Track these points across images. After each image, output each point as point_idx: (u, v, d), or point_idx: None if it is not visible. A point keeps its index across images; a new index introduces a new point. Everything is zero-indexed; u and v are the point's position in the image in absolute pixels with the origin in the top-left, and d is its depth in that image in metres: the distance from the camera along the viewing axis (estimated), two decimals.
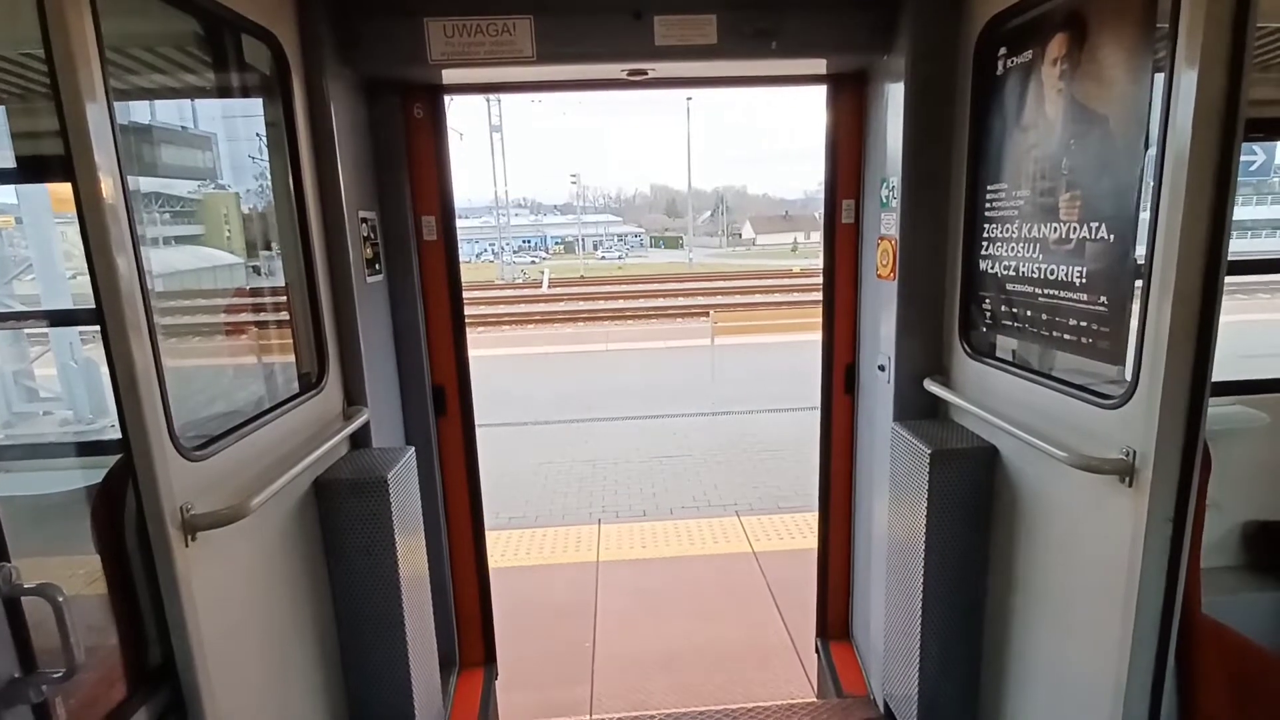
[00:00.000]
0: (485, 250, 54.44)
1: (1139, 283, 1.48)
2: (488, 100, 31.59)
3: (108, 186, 1.25)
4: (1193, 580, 1.63)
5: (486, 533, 2.96)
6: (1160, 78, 1.38)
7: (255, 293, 2.30)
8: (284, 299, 2.19)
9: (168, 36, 1.79)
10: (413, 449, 2.27)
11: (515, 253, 49.03)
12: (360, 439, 2.26)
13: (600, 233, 67.20)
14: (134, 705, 1.37)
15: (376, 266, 2.40)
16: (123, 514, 1.43)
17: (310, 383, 2.09)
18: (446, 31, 2.13)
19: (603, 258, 56.52)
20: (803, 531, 5.11)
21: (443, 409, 2.74)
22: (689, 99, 46.16)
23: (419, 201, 2.55)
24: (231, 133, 2.24)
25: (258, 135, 2.14)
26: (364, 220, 2.29)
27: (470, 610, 2.98)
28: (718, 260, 49.35)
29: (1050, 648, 1.88)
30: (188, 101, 2.13)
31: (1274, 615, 2.45)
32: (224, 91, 2.06)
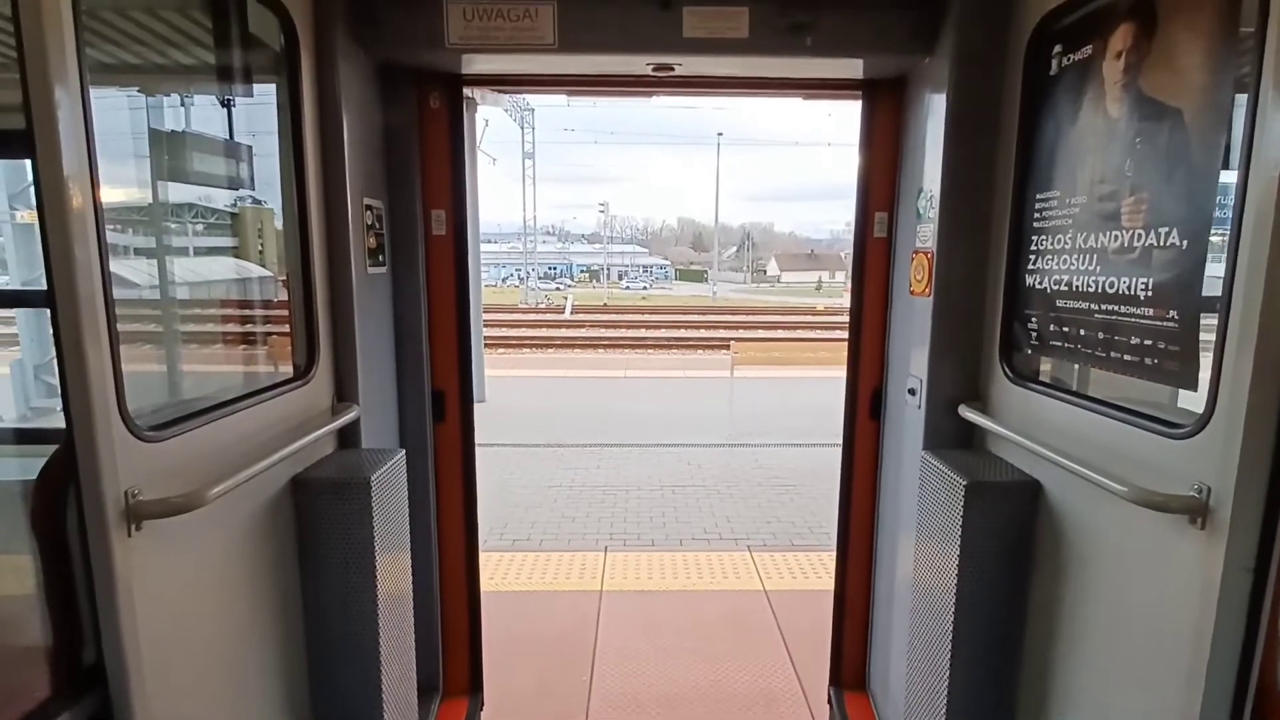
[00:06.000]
0: (511, 275, 55.05)
1: (1216, 294, 1.30)
2: (521, 128, 32.24)
3: (70, 159, 1.15)
4: (1271, 643, 1.40)
5: (487, 553, 2.80)
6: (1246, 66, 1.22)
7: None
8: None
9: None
10: (404, 452, 2.12)
11: (541, 279, 49.50)
12: (349, 438, 2.12)
13: (626, 263, 67.68)
14: (54, 709, 1.21)
15: (380, 258, 2.29)
16: (65, 498, 1.30)
17: (299, 372, 1.96)
18: (466, 15, 2.05)
19: (627, 288, 56.79)
20: (817, 571, 4.85)
21: (441, 415, 2.60)
22: (720, 135, 46.80)
23: (429, 194, 2.45)
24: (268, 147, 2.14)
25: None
26: (369, 208, 2.19)
27: (458, 634, 2.79)
28: (741, 295, 49.27)
29: (1097, 711, 1.65)
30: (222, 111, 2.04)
31: None
32: (227, 71, 1.98)
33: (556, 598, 4.45)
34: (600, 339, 19.56)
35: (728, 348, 11.81)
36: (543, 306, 32.24)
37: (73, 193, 1.16)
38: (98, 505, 1.21)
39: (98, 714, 1.28)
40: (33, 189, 1.16)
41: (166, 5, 1.74)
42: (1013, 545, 1.85)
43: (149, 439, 1.32)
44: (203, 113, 2.02)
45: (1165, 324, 1.42)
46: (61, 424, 1.23)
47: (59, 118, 1.13)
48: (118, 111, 1.89)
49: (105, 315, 1.23)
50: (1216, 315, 1.29)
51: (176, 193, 2.16)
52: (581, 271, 65.56)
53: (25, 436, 2.05)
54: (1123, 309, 1.53)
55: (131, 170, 1.92)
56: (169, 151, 1.94)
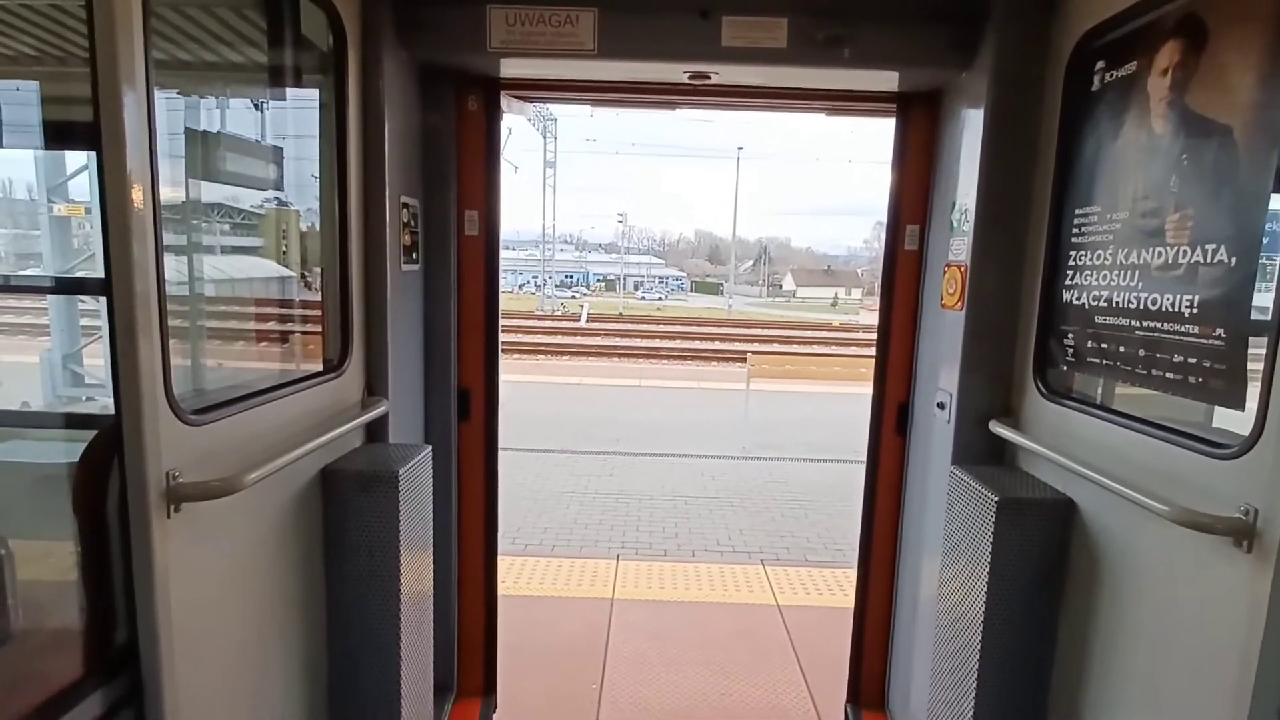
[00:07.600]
0: (529, 282, 55.37)
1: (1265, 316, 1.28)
2: (544, 137, 32.57)
3: (134, 157, 1.18)
4: None
5: (499, 556, 2.79)
6: None
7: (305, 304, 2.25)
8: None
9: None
10: (429, 448, 2.13)
11: (558, 287, 49.74)
12: (377, 432, 2.14)
13: (642, 274, 67.84)
14: (87, 687, 1.23)
15: (413, 255, 2.32)
16: (108, 478, 1.32)
17: (331, 365, 1.99)
18: (509, 20, 2.08)
19: (643, 298, 56.91)
20: (831, 588, 4.79)
21: (466, 413, 2.61)
22: (740, 149, 46.91)
23: (464, 194, 2.48)
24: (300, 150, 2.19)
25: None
26: (405, 206, 2.22)
27: (474, 636, 2.79)
28: (757, 309, 49.16)
29: None
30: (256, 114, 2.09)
31: None
32: (279, 71, 2.03)
33: (568, 604, 4.43)
34: (615, 348, 19.59)
35: (743, 360, 11.77)
36: (559, 314, 32.42)
37: (134, 189, 1.19)
38: (140, 485, 1.22)
39: (128, 693, 1.30)
40: (69, 183, 1.19)
41: (226, 6, 1.79)
42: (1045, 564, 1.82)
43: (192, 422, 1.34)
44: (242, 115, 2.06)
45: (1211, 342, 1.40)
46: (93, 410, 1.25)
47: (125, 116, 1.16)
48: (170, 112, 1.93)
49: (158, 306, 1.26)
50: (1265, 334, 1.27)
51: (210, 193, 2.20)
52: (597, 281, 65.79)
53: (68, 421, 2.09)
54: (1166, 326, 1.51)
55: (169, 169, 1.95)
56: (211, 152, 1.98)
